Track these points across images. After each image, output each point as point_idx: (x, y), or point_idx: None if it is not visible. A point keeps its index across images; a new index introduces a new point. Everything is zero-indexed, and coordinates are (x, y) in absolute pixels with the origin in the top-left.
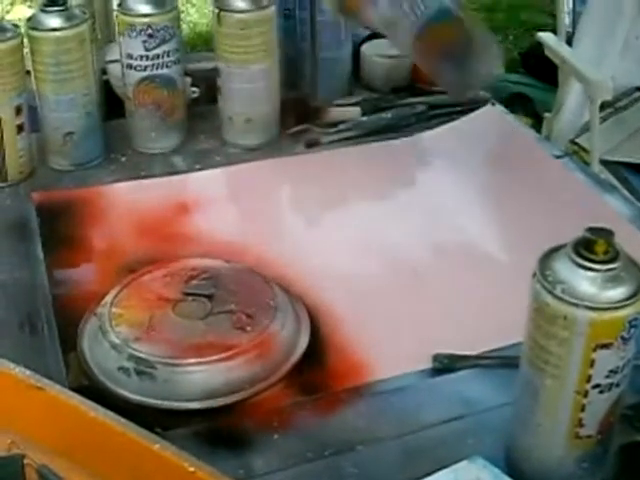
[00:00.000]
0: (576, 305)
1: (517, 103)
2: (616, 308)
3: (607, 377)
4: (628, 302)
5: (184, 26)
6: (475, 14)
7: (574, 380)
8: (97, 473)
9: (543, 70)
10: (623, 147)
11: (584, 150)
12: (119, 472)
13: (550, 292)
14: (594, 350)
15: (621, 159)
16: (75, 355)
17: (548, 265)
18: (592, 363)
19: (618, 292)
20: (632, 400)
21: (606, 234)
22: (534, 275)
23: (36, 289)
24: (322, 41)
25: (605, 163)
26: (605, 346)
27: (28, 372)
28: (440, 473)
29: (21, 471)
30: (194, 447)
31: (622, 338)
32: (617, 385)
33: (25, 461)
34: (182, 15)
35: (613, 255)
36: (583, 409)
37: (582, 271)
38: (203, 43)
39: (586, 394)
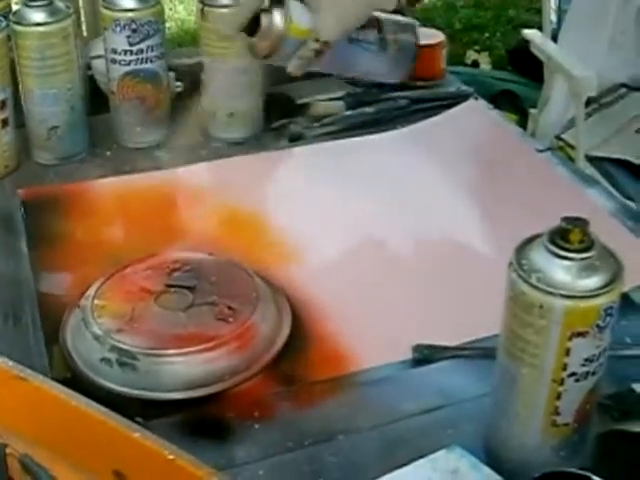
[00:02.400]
0: (552, 294)
1: (504, 100)
2: (591, 296)
3: (583, 365)
4: (603, 290)
5: (172, 23)
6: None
7: (550, 368)
8: (78, 462)
9: (530, 67)
10: (608, 143)
11: (569, 146)
12: (100, 461)
13: (526, 281)
14: (570, 339)
15: (606, 155)
16: (58, 347)
17: (524, 254)
18: (568, 351)
19: (593, 281)
20: (611, 390)
21: (581, 223)
22: (510, 264)
23: (20, 282)
24: None
25: (590, 159)
26: (581, 334)
27: (11, 362)
28: (418, 462)
29: (3, 461)
30: (176, 437)
31: (598, 326)
32: (593, 373)
33: (7, 451)
34: (170, 12)
35: (588, 244)
36: (559, 397)
37: (557, 260)
38: (190, 40)
39: (562, 382)
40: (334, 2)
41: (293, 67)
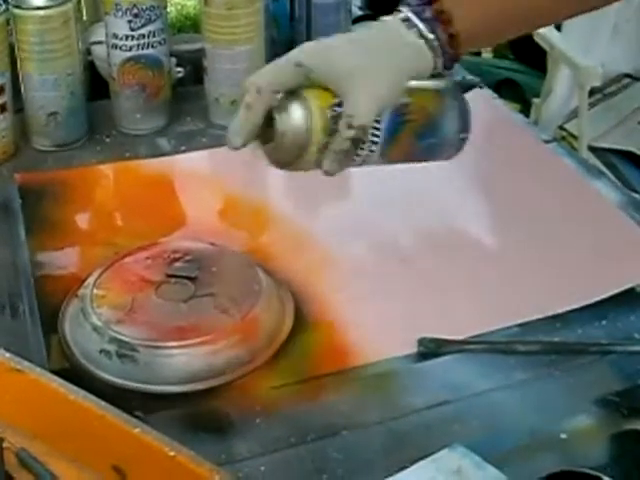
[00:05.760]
0: None
1: (506, 89)
2: None
3: None
4: None
5: (171, 8)
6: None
7: None
8: (77, 457)
9: (532, 56)
10: (611, 133)
11: (572, 136)
12: (99, 456)
13: None
14: None
15: (609, 146)
16: (56, 337)
17: None
18: None
19: None
20: (619, 387)
21: None
22: None
23: (18, 271)
24: (318, 24)
25: (593, 149)
26: None
27: (8, 354)
28: (421, 463)
29: (0, 455)
30: (176, 431)
31: None
32: None
33: (4, 445)
34: None
35: None
36: None
37: None
38: (190, 25)
39: None
40: (365, 77)
41: (329, 165)
